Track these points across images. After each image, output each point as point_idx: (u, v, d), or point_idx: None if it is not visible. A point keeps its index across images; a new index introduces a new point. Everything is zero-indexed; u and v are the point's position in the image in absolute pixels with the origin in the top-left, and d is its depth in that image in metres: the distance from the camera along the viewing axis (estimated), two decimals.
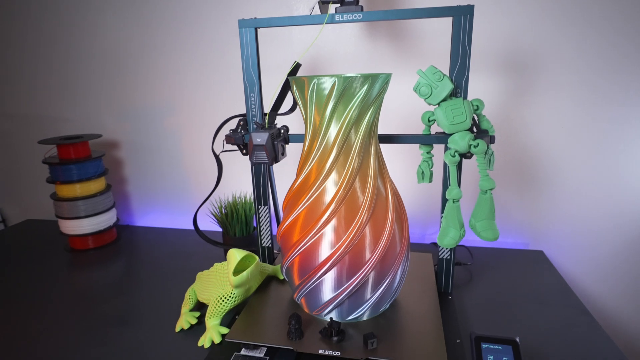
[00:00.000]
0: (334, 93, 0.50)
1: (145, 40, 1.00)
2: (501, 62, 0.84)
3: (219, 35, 0.95)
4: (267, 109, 0.70)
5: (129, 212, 1.17)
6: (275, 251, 0.83)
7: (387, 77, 0.52)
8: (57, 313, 0.70)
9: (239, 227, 0.86)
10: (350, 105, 0.51)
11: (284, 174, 1.00)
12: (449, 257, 0.69)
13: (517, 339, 0.50)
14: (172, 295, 0.74)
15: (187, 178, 1.09)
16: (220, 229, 1.08)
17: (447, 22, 0.82)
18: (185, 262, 0.88)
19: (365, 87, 0.50)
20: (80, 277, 0.83)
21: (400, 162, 0.94)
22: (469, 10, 0.56)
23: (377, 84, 0.51)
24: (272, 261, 0.78)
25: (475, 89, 0.85)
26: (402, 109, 0.90)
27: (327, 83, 0.50)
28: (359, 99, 0.51)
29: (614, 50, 0.79)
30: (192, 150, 1.06)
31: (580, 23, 0.79)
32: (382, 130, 0.91)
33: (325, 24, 0.61)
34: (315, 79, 0.50)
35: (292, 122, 0.92)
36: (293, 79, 0.53)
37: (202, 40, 0.96)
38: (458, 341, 0.57)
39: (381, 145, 0.91)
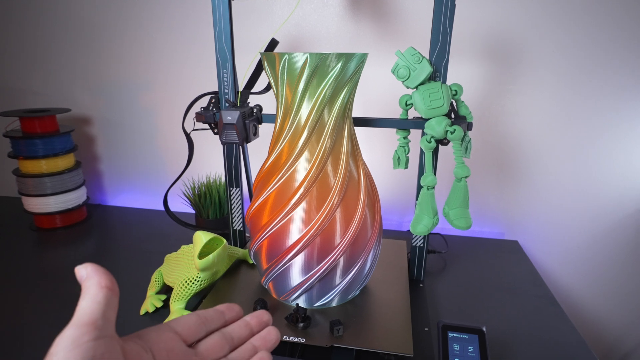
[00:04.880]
0: (305, 70, 0.48)
1: (119, 11, 0.95)
2: (484, 50, 0.82)
3: (195, 7, 0.91)
4: (242, 87, 0.67)
5: (101, 191, 1.13)
6: (247, 234, 0.81)
7: (363, 57, 0.50)
8: (21, 293, 0.67)
9: (212, 209, 0.84)
10: (324, 84, 0.49)
11: (263, 156, 0.97)
12: (422, 245, 0.68)
13: (484, 328, 0.49)
14: (140, 276, 0.72)
15: (162, 157, 1.05)
16: (194, 211, 1.06)
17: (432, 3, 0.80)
18: (157, 244, 0.86)
19: (339, 65, 0.48)
20: (47, 257, 0.80)
21: (380, 147, 0.92)
22: None
23: (352, 62, 0.48)
24: (243, 245, 0.76)
25: (457, 75, 0.84)
26: (385, 92, 0.88)
27: (299, 59, 0.47)
28: (332, 77, 0.48)
29: (594, 44, 0.78)
30: (167, 129, 1.02)
31: (563, 16, 0.77)
32: (362, 113, 0.89)
33: None
34: (287, 55, 0.47)
35: (268, 102, 0.89)
36: (264, 54, 0.51)
37: (177, 12, 0.92)
38: (426, 329, 0.57)
39: (360, 128, 0.89)
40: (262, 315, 0.31)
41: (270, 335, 0.30)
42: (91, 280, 0.22)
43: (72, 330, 0.20)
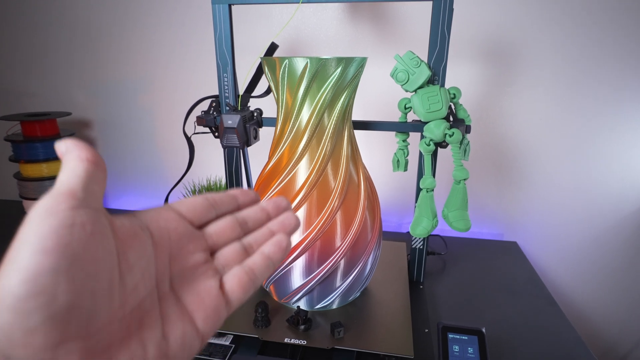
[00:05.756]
0: (306, 74, 0.48)
1: (117, 12, 0.95)
2: (482, 52, 0.83)
3: (195, 9, 0.91)
4: (242, 91, 0.68)
5: None
6: None
7: (362, 61, 0.50)
8: None
9: None
10: (324, 88, 0.49)
11: (263, 159, 0.98)
12: (421, 247, 0.68)
13: (483, 329, 0.50)
14: None
15: (162, 160, 1.06)
16: None
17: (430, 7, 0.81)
18: None
19: (339, 69, 0.48)
20: None
21: (379, 150, 0.92)
22: None
23: (352, 67, 0.49)
24: None
25: (455, 76, 0.84)
26: (384, 95, 0.88)
27: (299, 64, 0.48)
28: (332, 82, 0.49)
29: (591, 46, 0.79)
30: (167, 131, 1.02)
31: (561, 17, 0.78)
32: (362, 116, 0.90)
33: (302, 3, 0.59)
34: (287, 60, 0.48)
35: (268, 106, 0.90)
36: (264, 59, 0.51)
37: (177, 15, 0.92)
38: (426, 331, 0.57)
39: (360, 132, 0.90)
40: (280, 201, 0.28)
41: (289, 219, 0.27)
42: (71, 154, 0.19)
43: (46, 200, 0.17)
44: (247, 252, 0.25)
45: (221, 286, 0.23)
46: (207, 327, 0.21)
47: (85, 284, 0.16)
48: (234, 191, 0.27)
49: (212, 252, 0.24)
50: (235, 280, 0.23)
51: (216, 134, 0.67)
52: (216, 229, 0.24)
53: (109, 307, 0.17)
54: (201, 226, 0.24)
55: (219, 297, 0.22)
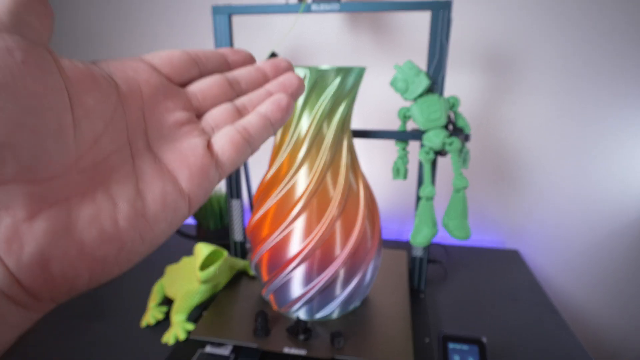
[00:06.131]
0: (305, 85, 0.48)
1: (117, 23, 0.96)
2: (482, 60, 0.83)
3: (193, 19, 0.92)
4: None
5: None
6: (247, 245, 0.82)
7: (361, 71, 0.50)
8: None
9: (212, 221, 0.84)
10: (322, 98, 0.50)
11: (263, 166, 0.98)
12: (421, 255, 0.68)
13: (484, 339, 0.49)
14: (141, 288, 0.72)
15: None
16: (194, 222, 1.06)
17: (429, 17, 0.81)
18: (158, 255, 0.86)
19: (338, 79, 0.48)
20: None
21: (379, 158, 0.93)
22: (446, 5, 0.55)
23: (351, 77, 0.49)
24: (244, 256, 0.76)
25: (456, 85, 0.85)
26: (384, 104, 0.89)
27: (298, 74, 0.48)
28: (331, 92, 0.49)
29: (592, 51, 0.79)
30: None
31: (561, 23, 0.79)
32: (362, 125, 0.90)
33: (302, 13, 0.59)
34: None
35: None
36: None
37: (175, 24, 0.93)
38: (427, 340, 0.57)
39: (360, 140, 0.90)
40: (280, 61, 0.23)
41: (291, 79, 0.23)
42: None
43: None
44: (240, 113, 0.21)
45: (210, 147, 0.20)
46: (193, 187, 0.19)
47: (20, 119, 0.14)
48: (223, 49, 0.23)
49: (199, 115, 0.21)
50: (227, 139, 0.20)
51: None
52: (201, 86, 0.21)
53: (60, 152, 0.15)
54: (183, 84, 0.21)
55: (205, 156, 0.19)
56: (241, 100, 0.22)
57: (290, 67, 0.24)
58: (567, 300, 0.94)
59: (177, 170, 0.19)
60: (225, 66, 0.22)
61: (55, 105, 0.15)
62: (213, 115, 0.21)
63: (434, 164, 0.62)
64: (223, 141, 0.20)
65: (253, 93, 0.22)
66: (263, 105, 0.22)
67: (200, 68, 0.21)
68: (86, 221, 0.16)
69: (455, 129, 0.60)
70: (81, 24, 0.98)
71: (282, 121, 0.22)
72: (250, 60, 0.23)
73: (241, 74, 0.22)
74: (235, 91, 0.22)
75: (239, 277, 0.69)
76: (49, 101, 0.15)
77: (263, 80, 0.23)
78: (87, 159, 0.16)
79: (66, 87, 0.15)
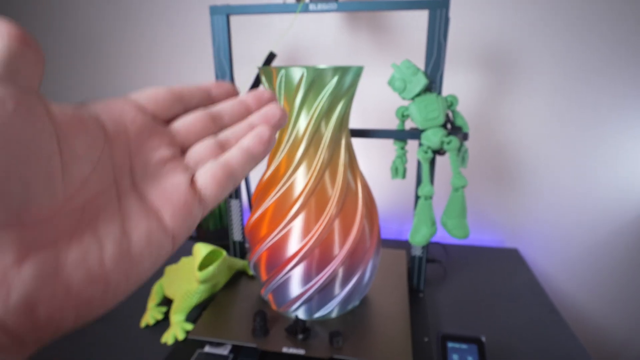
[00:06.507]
0: (302, 84, 0.48)
1: (117, 22, 0.96)
2: (481, 59, 0.83)
3: (192, 19, 0.92)
4: None
5: None
6: (247, 245, 0.82)
7: (359, 70, 0.50)
8: None
9: (212, 221, 0.84)
10: (320, 97, 0.50)
11: (261, 167, 0.98)
12: (421, 255, 0.68)
13: (483, 338, 0.49)
14: (140, 289, 0.72)
15: None
16: None
17: (426, 16, 0.81)
18: None
19: (335, 79, 0.48)
20: None
21: (378, 157, 0.93)
22: (444, 4, 0.55)
23: (348, 76, 0.49)
24: (243, 256, 0.76)
25: (454, 84, 0.85)
26: (382, 103, 0.89)
27: (296, 74, 0.48)
28: (329, 91, 0.49)
29: (590, 54, 0.79)
30: None
31: (559, 24, 0.78)
32: (360, 124, 0.90)
33: (299, 12, 0.59)
34: (283, 70, 0.48)
35: None
36: (262, 69, 0.52)
37: (174, 24, 0.93)
38: (426, 340, 0.57)
39: (358, 139, 0.90)
40: (262, 93, 0.24)
41: (273, 111, 0.23)
42: None
43: None
44: (222, 147, 0.22)
45: (193, 183, 0.20)
46: (176, 223, 0.19)
47: (9, 166, 0.14)
48: (206, 84, 0.23)
49: (183, 150, 0.21)
50: (209, 174, 0.20)
51: None
52: (185, 122, 0.21)
53: (49, 196, 0.15)
54: (168, 121, 0.21)
55: (189, 192, 0.20)
56: (225, 134, 0.22)
57: (273, 98, 0.24)
58: (567, 299, 0.94)
59: (161, 208, 0.19)
60: (208, 101, 0.23)
61: (45, 151, 0.15)
62: (197, 151, 0.21)
63: (432, 163, 0.62)
64: (206, 177, 0.20)
65: (236, 126, 0.23)
66: (245, 138, 0.22)
67: (185, 104, 0.22)
68: (74, 263, 0.16)
69: (454, 128, 0.60)
70: (81, 24, 0.98)
71: (264, 153, 0.22)
72: (233, 92, 0.24)
73: (224, 108, 0.23)
74: (218, 125, 0.22)
75: (238, 277, 0.69)
76: (38, 147, 0.15)
77: (246, 112, 0.23)
78: (75, 201, 0.16)
79: (55, 132, 0.15)
